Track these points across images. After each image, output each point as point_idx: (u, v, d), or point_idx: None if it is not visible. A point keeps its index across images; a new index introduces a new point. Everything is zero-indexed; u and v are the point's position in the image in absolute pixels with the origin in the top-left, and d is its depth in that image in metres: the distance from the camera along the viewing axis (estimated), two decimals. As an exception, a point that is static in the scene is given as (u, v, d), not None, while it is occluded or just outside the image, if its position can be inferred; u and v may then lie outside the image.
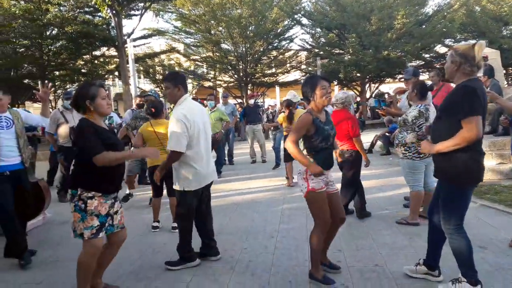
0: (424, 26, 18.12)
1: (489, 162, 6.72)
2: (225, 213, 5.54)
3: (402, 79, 8.16)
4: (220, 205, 6.06)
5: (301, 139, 3.20)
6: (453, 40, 21.19)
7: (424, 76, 16.91)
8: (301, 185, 3.18)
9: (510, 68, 18.21)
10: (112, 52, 20.59)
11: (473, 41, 2.83)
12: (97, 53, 21.07)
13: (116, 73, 21.75)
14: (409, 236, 4.21)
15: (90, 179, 2.82)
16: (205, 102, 9.24)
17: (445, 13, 18.37)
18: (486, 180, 6.37)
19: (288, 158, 7.00)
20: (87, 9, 17.68)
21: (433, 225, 3.11)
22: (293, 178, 7.09)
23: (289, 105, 7.10)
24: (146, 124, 4.94)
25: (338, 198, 3.35)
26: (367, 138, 10.96)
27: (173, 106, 3.68)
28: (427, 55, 21.20)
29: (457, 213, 2.84)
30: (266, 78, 23.04)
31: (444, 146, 2.71)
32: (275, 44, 22.46)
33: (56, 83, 21.64)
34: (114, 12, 15.20)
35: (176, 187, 3.62)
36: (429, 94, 4.81)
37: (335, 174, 3.66)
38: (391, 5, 17.36)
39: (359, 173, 5.04)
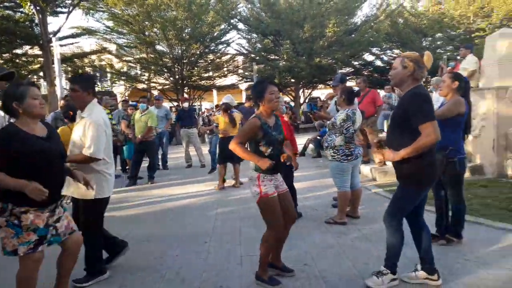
0: (353, 35, 19.13)
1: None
2: (156, 220, 5.39)
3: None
4: (152, 211, 5.89)
5: (248, 144, 3.20)
6: (379, 49, 22.60)
7: (351, 83, 17.83)
8: (254, 191, 3.15)
9: (429, 77, 19.75)
10: (36, 51, 19.19)
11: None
12: (19, 51, 19.52)
13: (41, 74, 20.30)
14: (337, 235, 4.38)
15: (20, 193, 2.45)
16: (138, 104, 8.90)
17: (372, 24, 19.55)
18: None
19: (237, 159, 7.04)
20: (7, 4, 16.33)
21: (413, 230, 3.16)
22: (240, 181, 7.22)
23: (227, 108, 7.13)
24: (64, 128, 4.56)
25: (289, 197, 3.35)
26: (300, 141, 11.29)
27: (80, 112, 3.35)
28: (356, 63, 22.40)
29: (404, 211, 3.00)
30: (203, 82, 22.88)
31: (406, 152, 2.78)
32: (212, 48, 22.38)
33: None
34: (38, 8, 14.23)
35: (85, 195, 3.25)
36: (356, 99, 5.06)
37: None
38: (323, 14, 18.10)
39: (292, 176, 5.15)
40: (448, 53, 17.76)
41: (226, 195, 6.69)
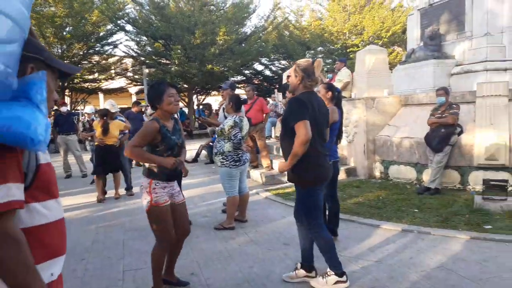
0: (243, 45, 19.69)
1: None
2: (26, 237, 4.79)
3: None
4: (21, 228, 5.22)
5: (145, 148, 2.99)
6: (268, 59, 23.67)
7: (241, 90, 18.37)
8: (144, 199, 2.96)
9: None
10: None
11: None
12: None
13: None
14: (225, 240, 4.41)
15: None
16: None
17: (260, 34, 20.38)
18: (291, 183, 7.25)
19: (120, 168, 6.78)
20: None
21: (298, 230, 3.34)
22: (106, 192, 6.81)
23: (104, 115, 6.68)
24: None
25: (185, 208, 3.20)
26: (194, 147, 11.20)
27: None
28: (247, 71, 23.10)
29: (311, 212, 3.07)
30: (87, 84, 21.31)
31: (291, 158, 2.92)
32: (97, 48, 20.98)
33: None
34: None
35: None
36: (243, 107, 5.18)
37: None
38: (214, 21, 18.29)
39: (180, 183, 5.04)
40: (328, 66, 19.40)
41: (110, 206, 6.26)
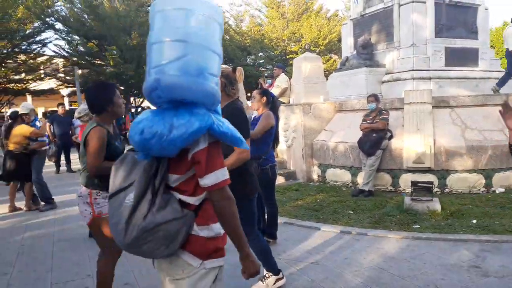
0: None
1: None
2: None
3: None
4: None
5: (83, 155, 2.73)
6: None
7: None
8: (84, 210, 2.70)
9: (250, 90, 21.61)
10: None
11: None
12: None
13: None
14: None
15: None
16: None
17: (201, 38, 20.22)
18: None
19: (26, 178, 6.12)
20: None
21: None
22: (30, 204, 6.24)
23: (12, 117, 6.24)
24: None
25: None
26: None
27: None
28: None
29: (248, 224, 2.89)
30: (13, 85, 19.73)
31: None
32: (23, 47, 19.51)
33: None
34: None
35: None
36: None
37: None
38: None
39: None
40: (268, 71, 19.75)
41: (35, 216, 5.82)
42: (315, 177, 7.44)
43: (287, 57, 21.55)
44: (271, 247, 4.09)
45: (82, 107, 4.61)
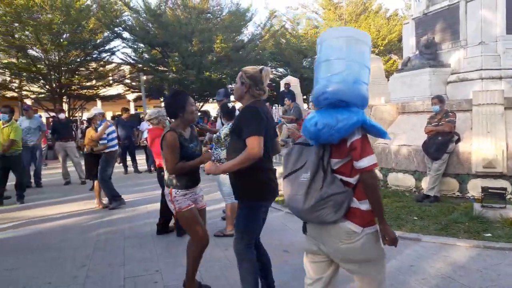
0: (240, 52, 19.80)
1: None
2: (26, 245, 4.79)
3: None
4: (20, 235, 5.23)
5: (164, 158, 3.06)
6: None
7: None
8: (170, 206, 3.14)
9: (309, 94, 21.49)
10: None
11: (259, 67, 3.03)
12: None
13: None
14: (225, 247, 4.41)
15: None
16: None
17: (257, 42, 20.52)
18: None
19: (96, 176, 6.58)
20: None
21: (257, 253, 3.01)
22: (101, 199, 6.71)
23: (88, 121, 6.85)
24: None
25: (204, 214, 3.32)
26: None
27: None
28: (244, 79, 23.16)
29: (249, 231, 2.82)
30: (85, 91, 21.27)
31: (229, 165, 2.68)
32: (94, 55, 20.99)
33: None
34: None
35: None
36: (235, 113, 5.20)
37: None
38: (211, 29, 18.41)
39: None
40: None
41: (108, 213, 6.25)
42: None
43: (345, 58, 21.18)
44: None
45: (151, 111, 4.91)
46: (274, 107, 11.06)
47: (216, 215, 5.80)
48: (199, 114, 20.87)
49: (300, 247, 4.27)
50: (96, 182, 6.63)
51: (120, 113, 11.95)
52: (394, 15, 22.47)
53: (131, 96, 26.84)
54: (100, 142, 6.47)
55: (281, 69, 24.46)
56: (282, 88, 12.49)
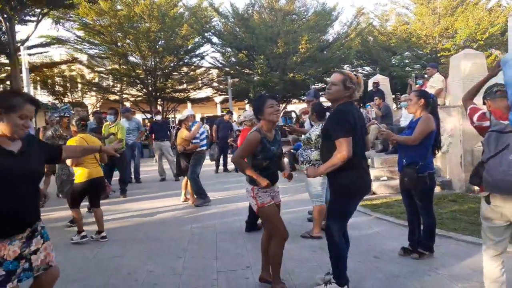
0: (325, 52, 19.55)
1: (381, 177, 7.39)
2: (129, 235, 5.26)
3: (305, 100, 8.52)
4: (124, 226, 5.75)
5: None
6: (350, 66, 23.19)
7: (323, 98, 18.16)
8: (251, 202, 3.28)
9: (398, 93, 20.45)
10: (3, 59, 18.58)
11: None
12: (-17, 59, 18.87)
13: (8, 83, 19.62)
14: (312, 249, 4.40)
15: None
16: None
17: (343, 41, 20.07)
18: (380, 194, 6.99)
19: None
20: (-28, 11, 15.79)
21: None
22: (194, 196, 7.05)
23: (179, 123, 7.29)
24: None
25: (279, 209, 3.42)
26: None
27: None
28: (328, 79, 22.81)
29: (342, 222, 3.17)
30: (177, 94, 22.72)
31: (324, 168, 2.98)
32: (186, 60, 22.32)
33: None
34: (5, 16, 13.77)
35: None
36: (328, 114, 5.14)
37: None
38: (296, 30, 18.44)
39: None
40: (416, 71, 18.43)
41: (201, 209, 6.61)
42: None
43: (438, 55, 19.76)
44: (427, 260, 3.86)
45: (246, 113, 5.10)
46: (367, 106, 10.65)
47: (301, 216, 5.81)
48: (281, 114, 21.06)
49: (392, 255, 4.11)
50: (185, 179, 7.07)
51: (210, 114, 12.55)
52: (496, 6, 20.39)
53: (218, 99, 28.01)
54: (193, 141, 6.86)
55: (367, 68, 23.64)
56: (370, 87, 12.04)
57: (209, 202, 6.91)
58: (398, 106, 15.72)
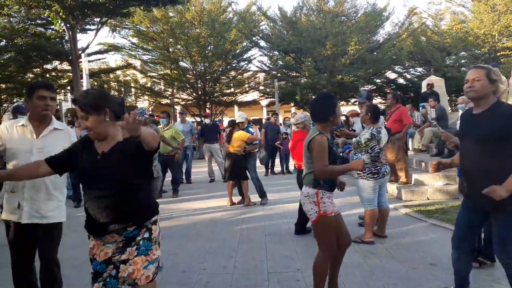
0: (375, 53, 19.11)
1: (437, 182, 7.09)
2: (182, 233, 5.43)
3: (356, 102, 8.37)
4: (177, 225, 5.94)
5: (307, 160, 3.03)
6: (402, 67, 22.49)
7: (376, 100, 17.74)
8: (310, 209, 2.96)
9: (453, 95, 19.52)
10: (65, 66, 19.88)
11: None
12: (49, 66, 20.27)
13: (69, 88, 20.97)
14: (364, 254, 4.32)
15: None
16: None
17: (394, 42, 19.51)
18: (435, 200, 6.72)
19: (243, 176, 7.07)
20: (39, 22, 17.03)
21: (460, 256, 3.02)
22: (248, 197, 7.13)
23: (231, 125, 7.29)
24: None
25: (343, 219, 3.18)
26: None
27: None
28: (378, 80, 22.31)
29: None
30: (225, 97, 23.18)
31: None
32: (233, 65, 22.71)
33: (2, 97, 20.52)
34: (68, 25, 14.73)
35: None
36: (381, 117, 5.04)
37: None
38: (345, 32, 18.19)
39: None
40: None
41: (249, 211, 6.69)
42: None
43: (498, 54, 18.67)
44: (488, 270, 3.67)
45: (299, 115, 5.11)
46: (422, 106, 10.26)
47: (352, 220, 5.71)
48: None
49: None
50: (230, 183, 7.15)
51: (256, 117, 12.68)
52: None
53: (264, 102, 28.20)
54: (253, 143, 7.03)
55: (420, 69, 22.79)
56: (423, 89, 11.61)
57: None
58: (454, 108, 15.01)
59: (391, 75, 23.25)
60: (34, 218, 2.72)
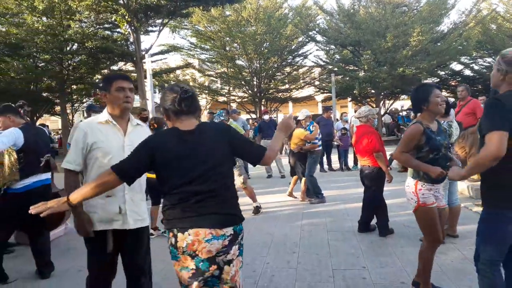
0: (439, 44, 18.07)
1: None
2: (244, 227, 5.50)
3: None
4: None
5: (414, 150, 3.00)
6: (468, 58, 21.09)
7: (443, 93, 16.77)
8: (410, 198, 3.06)
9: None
10: (129, 67, 20.96)
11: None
12: (115, 67, 21.50)
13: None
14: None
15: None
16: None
17: (461, 31, 18.33)
18: None
19: (299, 173, 7.07)
20: (106, 25, 18.09)
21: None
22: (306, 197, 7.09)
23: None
24: None
25: (443, 216, 3.18)
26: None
27: None
28: (442, 72, 21.10)
29: (490, 244, 2.44)
30: (280, 94, 23.18)
31: (469, 170, 2.40)
32: (289, 61, 22.63)
33: (74, 97, 22.06)
34: (132, 28, 15.50)
35: None
36: (452, 111, 4.77)
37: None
38: (407, 23, 17.39)
39: (382, 190, 5.02)
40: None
41: (308, 206, 6.65)
42: None
43: None
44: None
45: (362, 109, 4.99)
46: None
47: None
48: (404, 113, 20.00)
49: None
50: (295, 178, 7.16)
51: (316, 113, 12.54)
52: None
53: (319, 97, 27.81)
54: (313, 142, 6.94)
55: (489, 59, 21.22)
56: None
57: (325, 202, 6.85)
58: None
59: (457, 66, 21.90)
60: (138, 221, 2.52)
